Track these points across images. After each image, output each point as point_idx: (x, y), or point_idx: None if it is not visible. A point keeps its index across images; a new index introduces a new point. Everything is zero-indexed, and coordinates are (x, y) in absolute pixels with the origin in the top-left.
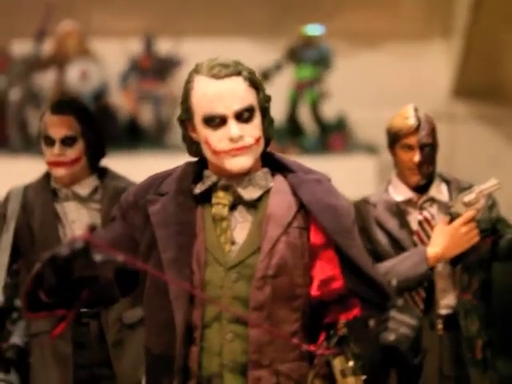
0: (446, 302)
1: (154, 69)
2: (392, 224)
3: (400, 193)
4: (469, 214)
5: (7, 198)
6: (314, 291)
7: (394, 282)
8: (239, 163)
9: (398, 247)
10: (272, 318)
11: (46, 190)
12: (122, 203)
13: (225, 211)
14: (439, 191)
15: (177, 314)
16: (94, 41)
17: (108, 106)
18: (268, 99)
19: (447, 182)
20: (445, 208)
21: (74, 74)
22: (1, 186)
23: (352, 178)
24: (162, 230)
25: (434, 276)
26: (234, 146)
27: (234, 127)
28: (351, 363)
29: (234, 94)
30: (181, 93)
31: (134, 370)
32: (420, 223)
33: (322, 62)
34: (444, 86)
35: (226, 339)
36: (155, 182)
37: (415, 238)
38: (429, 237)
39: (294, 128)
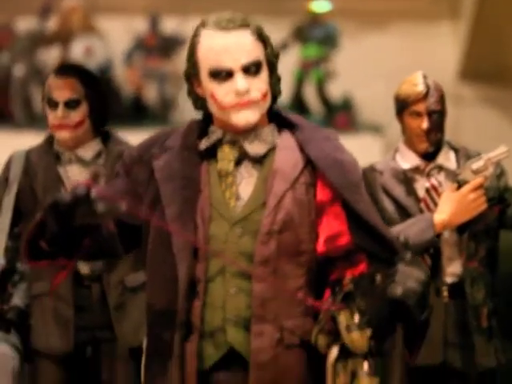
0: (452, 270)
1: (159, 47)
2: (399, 191)
3: (407, 160)
4: (477, 181)
5: (9, 162)
6: (321, 247)
7: (402, 238)
8: (245, 117)
9: (405, 214)
10: (277, 272)
11: (48, 154)
12: (125, 159)
13: (230, 166)
14: (447, 159)
15: (180, 267)
16: (99, 18)
17: (112, 82)
18: (276, 55)
19: (455, 150)
20: (452, 176)
21: (78, 50)
22: (4, 160)
23: (357, 157)
24: (167, 184)
25: (441, 243)
26: (241, 99)
27: (240, 80)
28: (357, 318)
29: (241, 47)
30: None
31: (135, 333)
32: (427, 190)
33: (329, 40)
34: (450, 68)
35: (230, 293)
36: (160, 138)
37: (422, 205)
38: (436, 204)
39: (299, 107)
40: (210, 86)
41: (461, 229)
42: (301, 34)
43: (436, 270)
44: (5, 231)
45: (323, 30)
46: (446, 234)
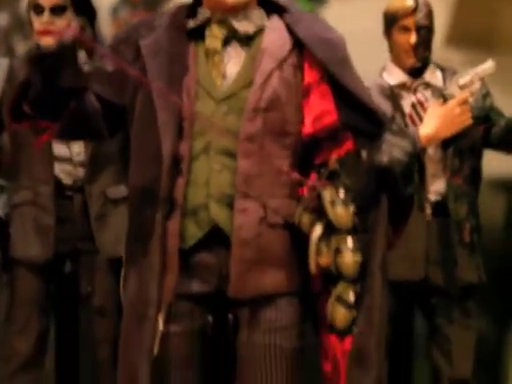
0: (436, 187)
1: (144, 1)
2: (385, 107)
3: (394, 77)
4: (463, 95)
5: None
6: (307, 128)
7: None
8: None
9: None
10: (262, 150)
11: None
12: (111, 41)
13: (218, 45)
14: (434, 76)
15: (164, 143)
16: None
17: (98, 35)
18: None
19: (442, 69)
20: (439, 93)
21: None
22: None
23: None
24: (153, 59)
25: (425, 160)
26: None
27: None
28: (342, 194)
29: None
30: None
31: (115, 244)
32: (413, 105)
33: None
34: (438, 33)
35: (214, 170)
36: (148, 21)
37: (408, 120)
38: (421, 119)
39: None
40: None
41: (446, 144)
42: None
43: (420, 188)
44: None
45: None
46: (431, 151)
